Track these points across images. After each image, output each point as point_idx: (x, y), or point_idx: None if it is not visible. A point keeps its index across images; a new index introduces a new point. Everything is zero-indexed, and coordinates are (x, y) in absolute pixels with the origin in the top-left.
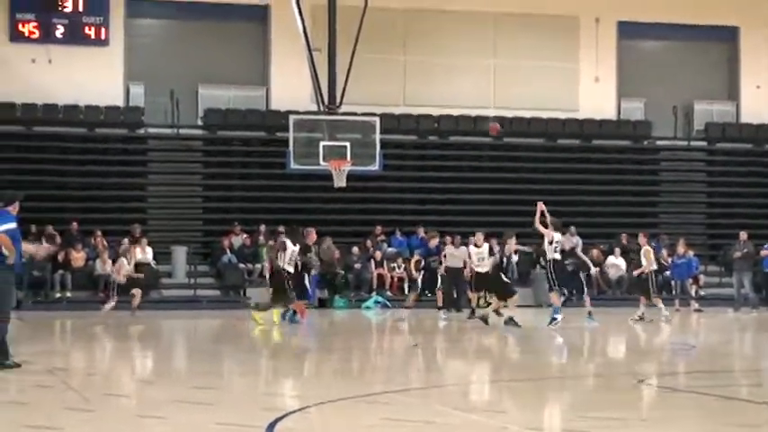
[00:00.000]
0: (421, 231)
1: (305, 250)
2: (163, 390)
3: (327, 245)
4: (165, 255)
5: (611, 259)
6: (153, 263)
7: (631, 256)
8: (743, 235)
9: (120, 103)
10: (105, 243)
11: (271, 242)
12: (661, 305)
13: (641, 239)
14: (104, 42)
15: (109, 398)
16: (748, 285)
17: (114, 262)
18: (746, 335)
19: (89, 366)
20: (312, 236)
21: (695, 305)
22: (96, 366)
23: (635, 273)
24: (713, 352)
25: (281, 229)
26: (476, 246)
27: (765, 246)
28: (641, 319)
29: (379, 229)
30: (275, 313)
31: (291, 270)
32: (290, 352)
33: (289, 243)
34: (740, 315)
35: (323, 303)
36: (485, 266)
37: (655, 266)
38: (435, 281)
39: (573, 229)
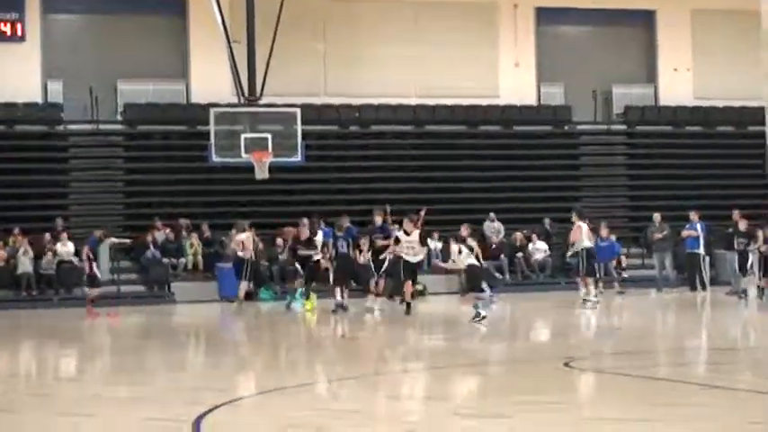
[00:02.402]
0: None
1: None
2: (88, 387)
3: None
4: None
5: (533, 245)
6: (75, 259)
7: (554, 239)
8: (657, 216)
9: (38, 99)
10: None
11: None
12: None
13: (574, 217)
14: (21, 39)
15: (32, 398)
16: (669, 266)
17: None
18: (669, 315)
19: (11, 367)
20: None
21: (618, 287)
22: (19, 367)
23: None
24: (637, 333)
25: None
26: (405, 233)
27: (687, 226)
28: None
29: (304, 220)
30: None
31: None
32: (217, 346)
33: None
34: (662, 295)
35: (249, 296)
36: (417, 255)
37: (589, 243)
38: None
39: (492, 215)
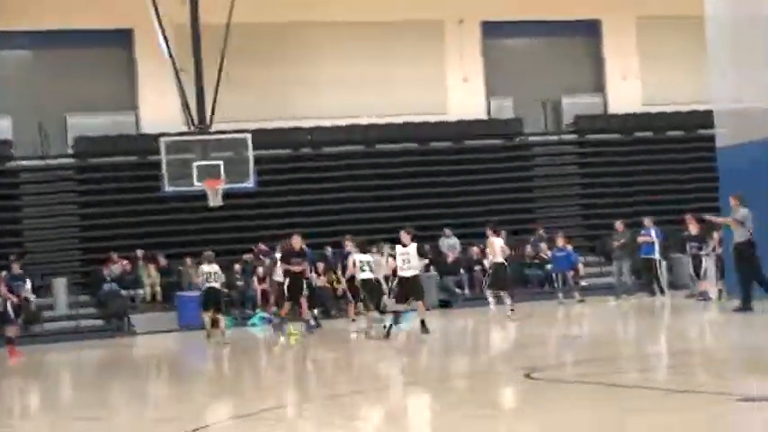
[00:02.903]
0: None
1: None
2: (46, 424)
3: None
4: (45, 288)
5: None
6: (32, 297)
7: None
8: (619, 224)
9: None
10: None
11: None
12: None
13: (488, 232)
14: None
15: None
16: (627, 273)
17: None
18: (629, 321)
19: None
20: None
21: (578, 296)
22: None
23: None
24: (598, 340)
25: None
26: (402, 245)
27: (642, 232)
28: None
29: (261, 245)
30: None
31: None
32: (178, 375)
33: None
34: (621, 302)
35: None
36: (412, 269)
37: (500, 259)
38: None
39: (447, 230)
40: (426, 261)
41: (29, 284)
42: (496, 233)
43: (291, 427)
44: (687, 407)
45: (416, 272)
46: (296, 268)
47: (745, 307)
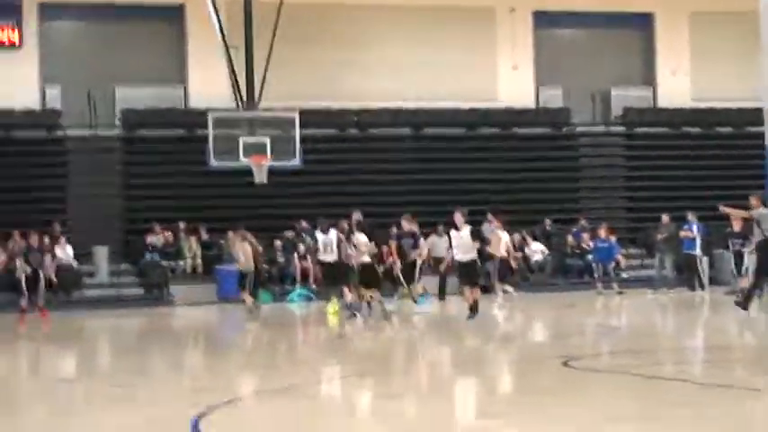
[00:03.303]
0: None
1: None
2: (88, 388)
3: (249, 240)
4: (87, 255)
5: (533, 245)
6: (74, 263)
7: (551, 241)
8: (665, 218)
9: (36, 106)
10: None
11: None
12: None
13: (493, 221)
14: (18, 46)
15: (33, 398)
16: (669, 266)
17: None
18: (667, 315)
19: (10, 368)
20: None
21: (617, 287)
22: (17, 368)
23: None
24: (635, 332)
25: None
26: (456, 229)
27: (684, 227)
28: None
29: (303, 223)
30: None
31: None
32: (215, 347)
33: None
34: (659, 296)
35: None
36: (469, 254)
37: (502, 253)
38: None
39: (490, 216)
40: (478, 245)
41: (70, 251)
42: (501, 223)
43: (321, 402)
44: (723, 401)
45: (473, 256)
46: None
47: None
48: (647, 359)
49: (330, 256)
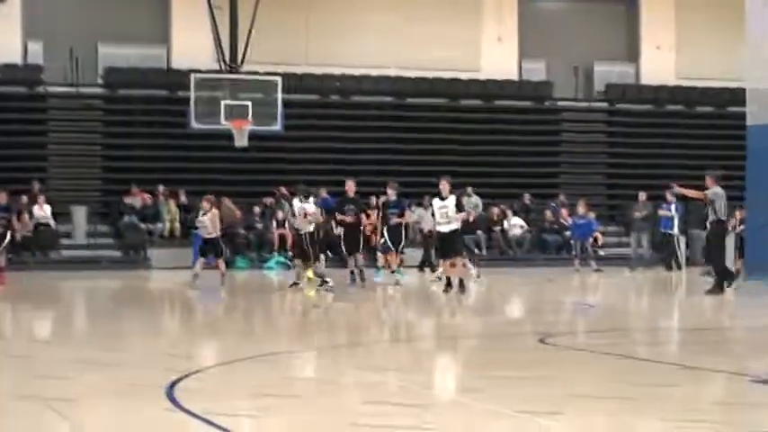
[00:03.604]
0: (323, 191)
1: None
2: (64, 351)
3: (227, 205)
4: (65, 215)
5: (511, 220)
6: (52, 222)
7: (530, 216)
8: (642, 195)
9: (18, 60)
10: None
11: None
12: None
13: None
14: (1, 0)
15: (9, 359)
16: (646, 245)
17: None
18: (643, 294)
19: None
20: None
21: (594, 265)
22: None
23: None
24: (611, 311)
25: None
26: (440, 198)
27: (663, 206)
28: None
29: (282, 189)
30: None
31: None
32: (192, 313)
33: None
34: (636, 274)
35: (225, 264)
36: (451, 224)
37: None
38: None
39: (469, 189)
40: (464, 215)
41: (48, 210)
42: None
43: (296, 371)
44: (698, 383)
45: (456, 227)
46: (348, 219)
47: (717, 289)
48: (622, 338)
49: (447, 227)
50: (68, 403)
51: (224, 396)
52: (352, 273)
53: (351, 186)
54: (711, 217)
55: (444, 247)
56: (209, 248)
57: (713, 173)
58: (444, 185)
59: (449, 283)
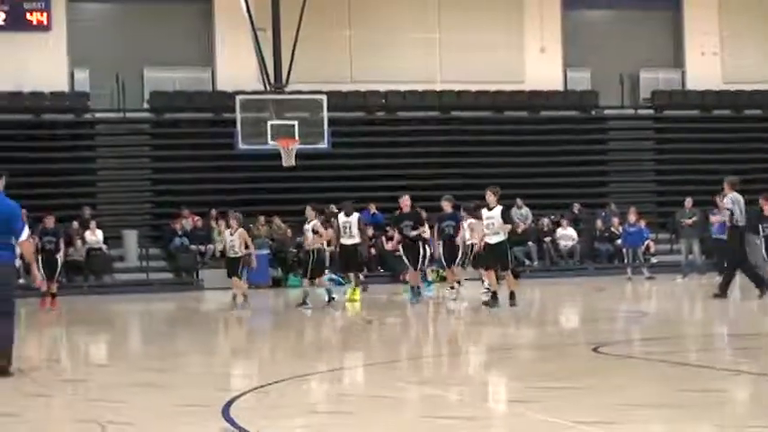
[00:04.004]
0: (372, 207)
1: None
2: (119, 373)
3: (278, 224)
4: (116, 239)
5: (561, 230)
6: (104, 247)
7: (580, 226)
8: (689, 201)
9: (65, 88)
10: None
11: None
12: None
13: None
14: (47, 28)
15: (65, 383)
16: (697, 251)
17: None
18: (696, 301)
19: (43, 352)
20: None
21: (647, 273)
22: (51, 352)
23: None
24: (665, 319)
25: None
26: (487, 209)
27: (713, 211)
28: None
29: (333, 207)
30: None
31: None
32: (245, 332)
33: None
34: (689, 281)
35: (277, 282)
36: (497, 236)
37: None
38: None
39: (519, 201)
40: (510, 227)
41: (100, 235)
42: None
43: (350, 388)
44: (754, 389)
45: (502, 238)
46: (413, 233)
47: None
48: (677, 346)
49: (350, 240)
50: (125, 427)
51: (280, 414)
52: (413, 288)
53: (406, 202)
54: (728, 223)
55: (491, 258)
56: (234, 268)
57: (730, 179)
58: (490, 196)
59: (494, 296)
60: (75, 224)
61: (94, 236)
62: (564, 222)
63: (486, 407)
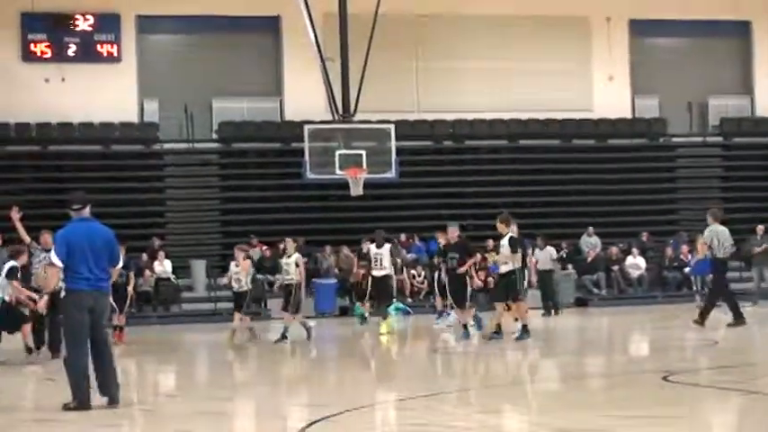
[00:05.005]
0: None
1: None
2: (187, 403)
3: (345, 253)
4: (185, 269)
5: (630, 259)
6: (172, 277)
7: (650, 253)
8: (760, 228)
9: (134, 119)
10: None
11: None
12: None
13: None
14: (117, 59)
15: (135, 412)
16: None
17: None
18: (766, 328)
19: None
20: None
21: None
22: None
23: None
24: (736, 347)
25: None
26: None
27: None
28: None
29: (403, 236)
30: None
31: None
32: (311, 361)
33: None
34: (759, 309)
35: (344, 311)
36: (507, 264)
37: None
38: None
39: (590, 229)
40: (519, 255)
41: (169, 266)
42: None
43: (434, 412)
44: None
45: (511, 268)
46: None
47: (738, 321)
48: (748, 374)
49: (380, 271)
50: None
51: None
52: (464, 326)
53: (453, 233)
54: (716, 254)
55: (502, 289)
56: (241, 301)
57: (713, 211)
58: (499, 224)
59: (497, 330)
60: (145, 256)
61: (162, 266)
62: (634, 251)
63: None
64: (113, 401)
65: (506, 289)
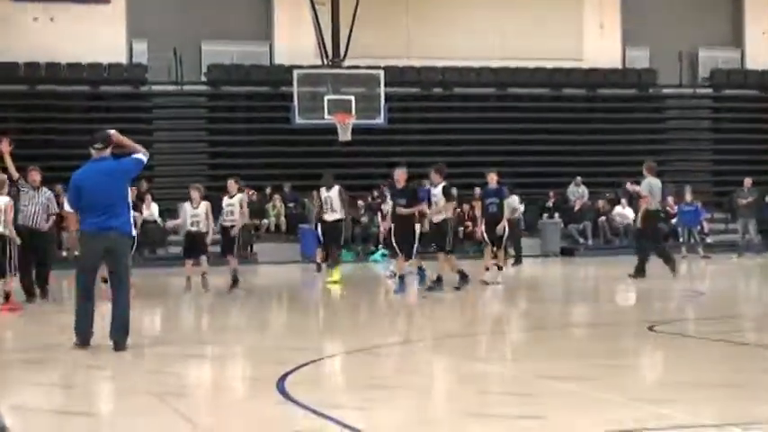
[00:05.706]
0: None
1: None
2: (173, 346)
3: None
4: (172, 211)
5: (618, 208)
6: (159, 220)
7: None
8: (748, 181)
9: (123, 60)
10: None
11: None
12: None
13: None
14: (106, 1)
15: (121, 355)
16: (753, 231)
17: None
18: (752, 280)
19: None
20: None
21: (702, 252)
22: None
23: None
24: (721, 298)
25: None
26: (433, 186)
27: None
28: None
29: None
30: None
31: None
32: (299, 306)
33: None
34: (744, 261)
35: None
36: (440, 215)
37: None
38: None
39: (578, 179)
40: (453, 204)
41: (156, 209)
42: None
43: (404, 363)
44: None
45: (443, 217)
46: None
47: (638, 274)
48: (734, 325)
49: (331, 215)
50: (180, 398)
51: (335, 388)
52: (401, 277)
53: (402, 176)
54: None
55: (433, 238)
56: (197, 244)
57: (648, 164)
58: (434, 174)
59: (438, 279)
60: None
61: (149, 209)
62: (623, 201)
63: (541, 383)
64: (117, 347)
65: (438, 238)
